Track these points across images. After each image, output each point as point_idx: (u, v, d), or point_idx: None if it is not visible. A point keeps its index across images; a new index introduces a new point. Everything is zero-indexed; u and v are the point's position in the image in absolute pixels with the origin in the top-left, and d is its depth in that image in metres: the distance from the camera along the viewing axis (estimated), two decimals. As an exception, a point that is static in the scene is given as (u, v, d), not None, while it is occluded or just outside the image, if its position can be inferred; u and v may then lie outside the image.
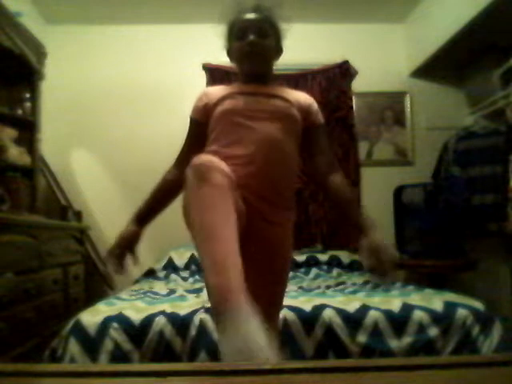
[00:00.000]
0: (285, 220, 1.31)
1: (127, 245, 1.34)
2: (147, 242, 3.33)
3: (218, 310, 0.82)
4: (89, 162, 3.34)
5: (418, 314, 1.65)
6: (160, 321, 1.60)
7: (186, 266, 2.87)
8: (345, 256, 3.00)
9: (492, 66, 2.92)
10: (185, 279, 2.70)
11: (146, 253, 3.14)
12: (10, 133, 2.37)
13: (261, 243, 1.20)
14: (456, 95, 3.45)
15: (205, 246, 0.90)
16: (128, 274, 1.34)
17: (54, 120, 3.10)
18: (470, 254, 2.91)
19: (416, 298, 1.87)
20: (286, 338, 1.58)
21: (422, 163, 3.37)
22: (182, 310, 1.68)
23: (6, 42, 2.24)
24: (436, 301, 1.76)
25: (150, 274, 2.80)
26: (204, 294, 1.91)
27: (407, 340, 1.61)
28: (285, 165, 1.28)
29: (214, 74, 3.26)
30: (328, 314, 1.65)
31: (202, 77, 3.26)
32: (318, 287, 2.36)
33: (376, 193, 3.32)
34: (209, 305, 1.11)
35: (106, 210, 3.27)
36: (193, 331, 1.58)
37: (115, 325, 1.57)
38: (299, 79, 3.32)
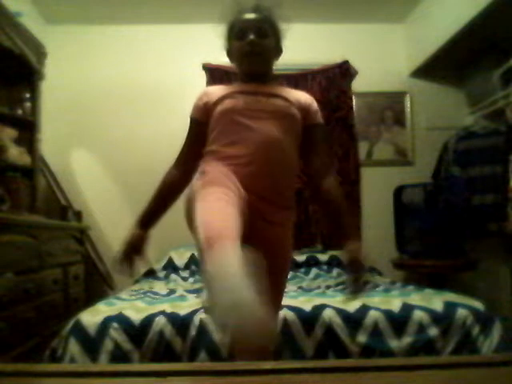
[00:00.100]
0: (285, 220, 1.31)
1: (134, 249, 1.34)
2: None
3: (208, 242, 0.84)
4: (89, 162, 3.34)
5: (417, 314, 1.66)
6: (160, 321, 1.60)
7: (186, 266, 2.87)
8: (342, 255, 2.99)
9: (492, 66, 2.92)
10: (185, 279, 2.70)
11: (146, 253, 3.15)
12: (9, 133, 2.37)
13: (260, 243, 1.20)
14: (456, 95, 3.45)
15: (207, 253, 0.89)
16: (136, 274, 1.36)
17: (54, 120, 3.10)
18: (470, 254, 2.91)
19: (416, 298, 1.87)
20: (286, 338, 1.58)
21: (422, 163, 3.37)
22: (182, 309, 1.68)
23: (6, 41, 2.24)
24: (436, 301, 1.76)
25: (150, 273, 2.80)
26: (204, 294, 1.91)
27: (407, 340, 1.61)
28: (285, 164, 1.28)
29: (214, 74, 3.26)
30: (328, 313, 1.65)
31: (202, 77, 3.26)
32: (318, 287, 2.36)
33: (376, 193, 3.32)
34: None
35: (106, 210, 3.27)
36: (193, 331, 1.58)
37: (115, 325, 1.57)
38: (299, 79, 3.32)
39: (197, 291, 2.18)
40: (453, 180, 3.02)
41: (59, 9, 3.21)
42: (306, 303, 1.74)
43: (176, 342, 1.57)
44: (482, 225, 2.88)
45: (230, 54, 1.40)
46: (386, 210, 3.23)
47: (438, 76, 3.47)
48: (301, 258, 2.91)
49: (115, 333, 1.55)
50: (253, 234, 1.07)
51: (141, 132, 3.33)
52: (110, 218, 3.25)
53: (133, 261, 1.34)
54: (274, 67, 1.40)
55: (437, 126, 3.37)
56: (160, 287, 2.38)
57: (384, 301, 1.80)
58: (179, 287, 2.37)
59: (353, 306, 1.70)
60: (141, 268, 1.37)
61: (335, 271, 2.84)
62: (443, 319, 1.65)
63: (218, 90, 1.35)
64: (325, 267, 2.89)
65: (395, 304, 1.73)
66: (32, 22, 2.80)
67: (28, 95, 2.57)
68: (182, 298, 2.02)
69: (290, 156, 1.30)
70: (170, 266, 2.87)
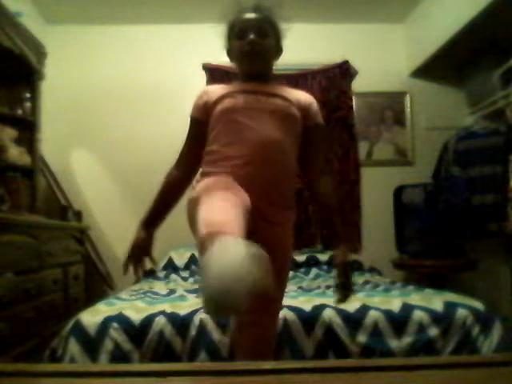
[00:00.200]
0: (285, 220, 1.31)
1: (141, 250, 1.35)
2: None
3: (207, 236, 0.82)
4: (89, 162, 3.34)
5: (417, 314, 1.65)
6: (160, 321, 1.60)
7: (186, 266, 2.87)
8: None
9: (492, 66, 2.92)
10: (185, 279, 2.70)
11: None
12: (9, 133, 2.37)
13: (261, 243, 1.20)
14: (456, 95, 3.45)
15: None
16: (144, 276, 1.38)
17: (54, 120, 3.11)
18: (470, 254, 2.91)
19: (416, 298, 1.87)
20: (286, 338, 1.58)
21: (422, 163, 3.37)
22: (182, 309, 1.68)
23: (6, 41, 2.24)
24: (436, 301, 1.76)
25: (150, 273, 2.80)
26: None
27: (407, 340, 1.61)
28: (284, 164, 1.28)
29: (214, 74, 3.26)
30: (328, 313, 1.65)
31: (202, 77, 3.26)
32: (318, 287, 2.36)
33: (376, 193, 3.32)
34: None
35: (106, 210, 3.27)
36: (193, 331, 1.58)
37: (115, 325, 1.57)
38: (299, 79, 3.32)
39: (197, 291, 2.18)
40: (453, 180, 3.02)
41: (59, 9, 3.21)
42: (306, 303, 1.74)
43: (176, 342, 1.57)
44: (481, 225, 2.88)
45: (230, 53, 1.40)
46: (386, 210, 3.23)
47: (437, 76, 3.47)
48: (301, 257, 2.91)
49: (115, 333, 1.55)
50: (253, 235, 1.07)
51: (141, 132, 3.33)
52: (109, 218, 3.25)
53: (141, 262, 1.35)
54: (274, 67, 1.40)
55: (437, 126, 3.37)
56: (160, 287, 2.38)
57: (384, 301, 1.80)
58: (179, 287, 2.37)
59: (353, 306, 1.70)
60: (148, 268, 1.39)
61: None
62: (443, 319, 1.65)
63: (218, 89, 1.35)
64: (325, 267, 2.89)
65: (395, 304, 1.73)
66: (32, 22, 2.80)
67: (28, 95, 2.57)
68: (182, 297, 2.02)
69: (290, 156, 1.30)
70: (170, 266, 2.87)
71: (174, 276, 2.75)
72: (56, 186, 3.07)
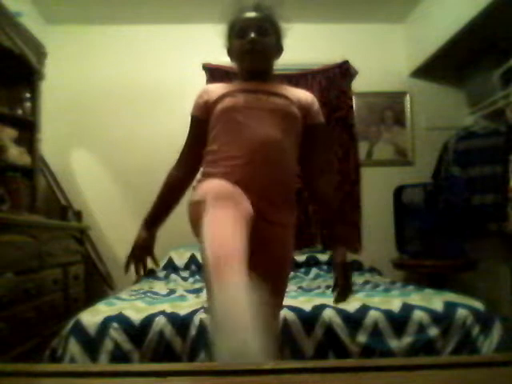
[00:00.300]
0: (285, 220, 1.31)
1: (143, 250, 1.36)
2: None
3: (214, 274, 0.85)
4: (89, 162, 3.34)
5: (417, 314, 1.65)
6: (160, 321, 1.60)
7: (186, 266, 2.87)
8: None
9: (492, 66, 2.92)
10: (185, 279, 2.70)
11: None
12: (9, 133, 2.37)
13: (261, 243, 1.20)
14: (456, 95, 3.45)
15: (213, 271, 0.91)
16: (146, 275, 1.39)
17: (54, 120, 3.11)
18: (470, 254, 2.91)
19: (416, 298, 1.87)
20: (285, 338, 1.58)
21: (422, 163, 3.37)
22: (182, 309, 1.68)
23: (6, 41, 2.24)
24: (436, 301, 1.76)
25: (150, 274, 2.80)
26: (204, 294, 1.91)
27: (407, 340, 1.61)
28: (285, 164, 1.27)
29: (214, 74, 3.26)
30: (328, 313, 1.65)
31: (202, 77, 3.26)
32: (318, 287, 2.36)
33: (376, 193, 3.32)
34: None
35: (106, 210, 3.27)
36: (193, 331, 1.58)
37: (115, 325, 1.57)
38: (299, 79, 3.32)
39: (197, 291, 2.18)
40: (453, 180, 3.02)
41: (59, 9, 3.21)
42: (306, 303, 1.74)
43: (176, 342, 1.57)
44: (481, 225, 2.88)
45: (230, 52, 1.40)
46: (386, 210, 3.23)
47: (437, 76, 3.47)
48: (301, 257, 2.92)
49: (115, 333, 1.55)
50: (254, 235, 1.07)
51: (141, 132, 3.33)
52: (109, 218, 3.25)
53: (143, 261, 1.35)
54: (275, 67, 1.40)
55: (437, 126, 3.37)
56: (160, 287, 2.38)
57: (384, 301, 1.80)
58: (179, 287, 2.37)
59: (353, 306, 1.70)
60: (150, 267, 1.40)
61: (335, 271, 2.84)
62: (443, 319, 1.65)
63: (218, 88, 1.35)
64: (325, 267, 2.89)
65: (395, 304, 1.73)
66: (32, 22, 2.80)
67: (28, 95, 2.57)
68: (182, 297, 2.02)
69: (290, 155, 1.30)
70: (170, 266, 2.87)
71: (173, 276, 2.75)
72: (56, 186, 3.07)
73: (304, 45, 3.16)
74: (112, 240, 3.19)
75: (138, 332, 1.57)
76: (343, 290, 1.30)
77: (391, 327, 1.63)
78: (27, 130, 2.52)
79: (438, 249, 2.85)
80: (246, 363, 0.66)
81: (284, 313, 1.61)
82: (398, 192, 3.16)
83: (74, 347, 1.52)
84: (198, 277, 2.69)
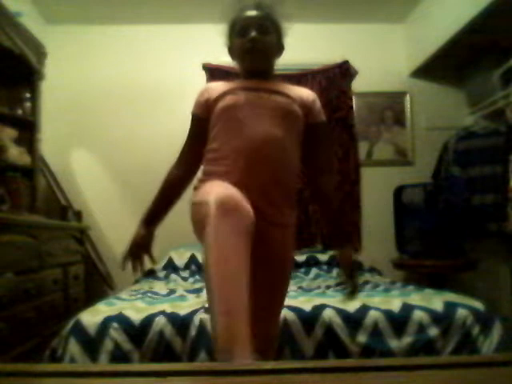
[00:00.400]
0: (286, 220, 1.30)
1: (141, 247, 1.36)
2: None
3: (222, 350, 0.86)
4: (89, 162, 3.34)
5: (417, 314, 1.65)
6: (160, 321, 1.59)
7: (186, 266, 2.87)
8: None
9: (492, 66, 2.92)
10: (185, 279, 2.70)
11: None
12: (9, 133, 2.37)
13: (262, 244, 1.19)
14: (456, 95, 3.45)
15: (215, 283, 0.93)
16: (143, 272, 1.39)
17: (54, 120, 3.11)
18: (469, 254, 2.91)
19: (416, 297, 1.87)
20: (286, 338, 1.58)
21: (422, 163, 3.37)
22: (182, 309, 1.68)
23: (6, 41, 2.24)
24: (436, 301, 1.76)
25: (150, 273, 2.80)
26: (204, 294, 1.91)
27: (407, 340, 1.61)
28: (286, 162, 1.27)
29: (214, 74, 3.25)
30: (328, 313, 1.65)
31: (202, 77, 3.26)
32: (318, 287, 2.36)
33: (376, 193, 3.32)
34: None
35: (106, 210, 3.27)
36: (193, 331, 1.58)
37: (115, 325, 1.57)
38: (299, 79, 3.32)
39: (197, 291, 2.18)
40: (453, 180, 3.02)
41: (59, 9, 3.21)
42: (306, 303, 1.74)
43: (176, 342, 1.57)
44: (481, 225, 2.88)
45: (231, 51, 1.39)
46: (386, 210, 3.23)
47: (437, 76, 3.47)
48: (301, 257, 2.92)
49: (115, 333, 1.55)
50: (255, 237, 1.07)
51: (141, 132, 3.33)
52: (109, 218, 3.25)
53: (140, 259, 1.35)
54: (275, 66, 1.40)
55: (437, 126, 3.37)
56: (160, 287, 2.38)
57: (384, 301, 1.80)
58: (179, 287, 2.37)
59: (353, 306, 1.70)
60: (147, 266, 1.40)
61: (335, 271, 2.84)
62: (443, 319, 1.65)
63: (219, 86, 1.35)
64: (325, 267, 2.89)
65: (395, 304, 1.73)
66: (32, 22, 2.80)
67: (28, 95, 2.57)
68: (182, 297, 2.02)
69: (292, 154, 1.29)
70: (170, 266, 2.87)
71: (173, 276, 2.75)
72: (56, 186, 3.07)
73: (304, 45, 3.16)
74: (112, 240, 3.19)
75: (137, 332, 1.57)
76: (352, 290, 1.32)
77: (391, 327, 1.62)
78: (27, 130, 2.53)
79: (438, 249, 2.85)
80: (246, 363, 0.66)
81: (284, 313, 1.61)
82: (398, 192, 3.16)
83: (73, 347, 1.52)
84: (197, 277, 2.69)
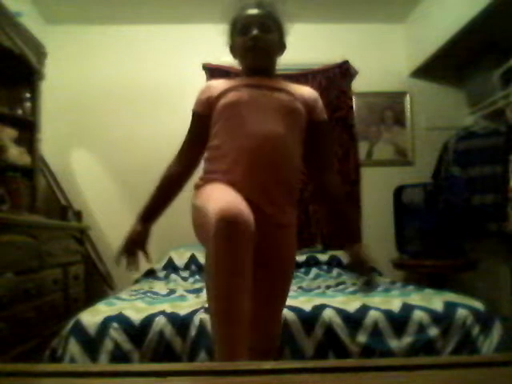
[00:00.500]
0: (287, 219, 1.29)
1: (136, 244, 1.34)
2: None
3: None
4: (89, 162, 3.34)
5: (417, 314, 1.65)
6: (160, 321, 1.59)
7: (186, 266, 2.87)
8: (345, 256, 2.99)
9: (492, 65, 2.92)
10: (185, 279, 2.70)
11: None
12: (9, 133, 2.37)
13: (263, 246, 1.18)
14: (456, 95, 3.45)
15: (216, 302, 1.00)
16: (138, 269, 1.37)
17: (54, 120, 3.10)
18: (469, 254, 2.91)
19: (416, 297, 1.87)
20: (286, 338, 1.58)
21: (422, 163, 3.37)
22: (182, 309, 1.68)
23: (6, 41, 2.24)
24: (436, 301, 1.76)
25: (150, 273, 2.80)
26: (204, 294, 1.91)
27: (407, 340, 1.61)
28: (288, 160, 1.26)
29: (214, 74, 3.25)
30: (328, 313, 1.65)
31: (202, 77, 3.26)
32: (318, 287, 2.36)
33: (376, 193, 3.32)
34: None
35: (106, 210, 3.27)
36: (193, 331, 1.58)
37: (115, 325, 1.57)
38: (299, 79, 3.32)
39: (197, 291, 2.18)
40: (453, 180, 3.02)
41: (59, 9, 3.21)
42: (306, 303, 1.74)
43: (176, 342, 1.57)
44: (481, 225, 2.88)
45: (233, 50, 1.39)
46: (386, 210, 3.23)
47: (437, 76, 3.47)
48: (301, 257, 2.91)
49: (115, 333, 1.55)
50: (262, 240, 1.07)
51: (141, 132, 3.33)
52: (109, 218, 3.25)
53: (135, 256, 1.34)
54: (277, 65, 1.39)
55: (437, 126, 3.37)
56: (160, 287, 2.38)
57: (384, 301, 1.80)
58: (179, 287, 2.37)
59: (353, 306, 1.70)
60: (143, 263, 1.38)
61: (335, 271, 2.84)
62: (443, 319, 1.65)
63: (221, 84, 1.34)
64: (325, 267, 2.89)
65: (395, 304, 1.73)
66: (32, 22, 2.80)
67: (28, 95, 2.57)
68: (182, 297, 2.02)
69: (293, 152, 1.28)
70: (170, 266, 2.87)
71: (173, 276, 2.75)
72: (56, 186, 3.06)
73: (304, 45, 3.16)
74: (112, 240, 3.19)
75: (137, 332, 1.57)
76: (370, 285, 1.31)
77: (391, 327, 1.62)
78: (27, 130, 2.52)
79: (438, 249, 2.85)
80: (246, 363, 0.66)
81: (284, 313, 1.61)
82: (398, 192, 3.16)
83: (73, 347, 1.52)
84: (197, 277, 2.69)
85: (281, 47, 1.38)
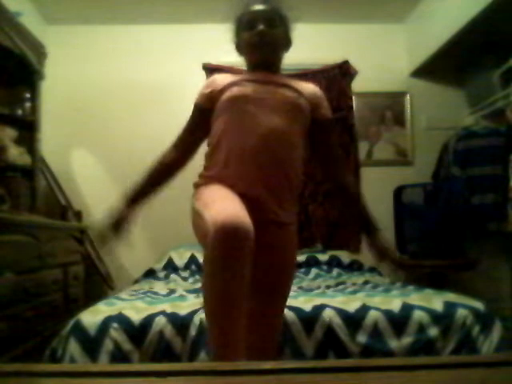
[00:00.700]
0: (287, 217, 1.28)
1: (117, 224, 1.31)
2: (147, 242, 3.33)
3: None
4: (89, 162, 3.34)
5: (418, 314, 1.65)
6: (160, 321, 1.59)
7: (186, 266, 2.87)
8: (345, 256, 2.99)
9: (492, 65, 2.92)
10: (185, 279, 2.70)
11: (146, 253, 3.14)
12: (9, 133, 2.37)
13: (263, 247, 1.17)
14: (456, 95, 3.44)
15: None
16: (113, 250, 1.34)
17: (54, 120, 3.10)
18: (469, 254, 2.91)
19: (416, 297, 1.87)
20: (286, 338, 1.58)
21: (422, 163, 3.37)
22: (182, 309, 1.68)
23: (5, 41, 2.24)
24: (436, 301, 1.76)
25: (150, 273, 2.80)
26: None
27: (407, 340, 1.61)
28: (290, 157, 1.26)
29: (214, 74, 3.25)
30: (328, 314, 1.64)
31: (202, 77, 3.25)
32: (318, 287, 2.36)
33: (376, 193, 3.31)
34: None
35: (106, 210, 3.26)
36: (193, 331, 1.58)
37: (115, 325, 1.57)
38: (299, 79, 3.32)
39: (197, 291, 2.18)
40: (453, 180, 3.02)
41: (59, 9, 3.21)
42: (306, 303, 1.74)
43: (176, 342, 1.57)
44: (481, 225, 2.87)
45: (238, 47, 1.39)
46: (386, 210, 3.22)
47: (437, 76, 3.47)
48: (301, 257, 2.91)
49: (115, 333, 1.55)
50: (258, 238, 1.07)
51: (141, 132, 3.33)
52: (109, 218, 3.25)
53: (115, 235, 1.31)
54: (283, 60, 1.39)
55: (437, 126, 3.37)
56: (160, 287, 2.38)
57: (384, 301, 1.80)
58: (179, 287, 2.37)
59: (353, 306, 1.70)
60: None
61: (335, 271, 2.84)
62: (443, 319, 1.65)
63: (226, 78, 1.34)
64: (325, 267, 2.89)
65: (395, 304, 1.73)
66: (32, 22, 2.80)
67: (28, 95, 2.57)
68: (181, 297, 2.02)
69: (296, 148, 1.28)
70: (170, 266, 2.87)
71: (173, 276, 2.75)
72: (56, 186, 3.06)
73: (304, 45, 3.14)
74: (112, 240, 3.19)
75: (137, 332, 1.57)
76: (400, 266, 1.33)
77: (391, 327, 1.62)
78: (27, 130, 2.52)
79: (438, 249, 2.85)
80: (246, 363, 0.66)
81: (284, 313, 1.61)
82: (398, 192, 3.16)
83: (73, 347, 1.52)
84: (197, 277, 2.69)
85: (287, 43, 1.38)
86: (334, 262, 2.94)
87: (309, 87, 1.37)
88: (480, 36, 2.83)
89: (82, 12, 3.27)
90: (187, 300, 1.93)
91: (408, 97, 3.48)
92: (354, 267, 2.91)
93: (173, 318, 1.61)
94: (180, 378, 0.60)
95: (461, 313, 1.66)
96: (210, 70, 3.31)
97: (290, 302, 1.70)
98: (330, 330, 1.61)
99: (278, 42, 1.32)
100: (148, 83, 3.37)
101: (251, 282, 1.03)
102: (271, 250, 1.24)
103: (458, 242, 2.89)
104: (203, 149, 1.40)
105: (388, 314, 1.66)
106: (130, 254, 3.09)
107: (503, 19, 2.60)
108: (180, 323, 1.60)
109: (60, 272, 2.42)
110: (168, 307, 1.71)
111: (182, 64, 3.37)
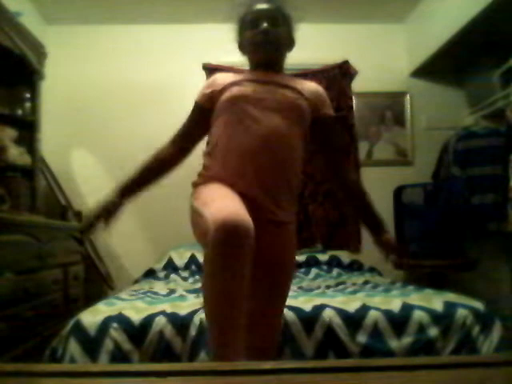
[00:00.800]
0: (286, 216, 1.28)
1: (105, 215, 1.32)
2: (147, 242, 3.33)
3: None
4: (89, 162, 3.34)
5: (418, 314, 1.65)
6: (160, 321, 1.59)
7: (186, 266, 2.87)
8: (345, 256, 2.99)
9: (492, 65, 2.92)
10: (185, 279, 2.70)
11: (146, 253, 3.14)
12: (9, 133, 2.37)
13: (262, 247, 1.18)
14: (456, 95, 3.45)
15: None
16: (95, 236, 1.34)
17: (54, 120, 3.10)
18: (469, 254, 2.91)
19: (416, 297, 1.87)
20: (286, 338, 1.58)
21: (422, 163, 3.37)
22: (182, 309, 1.68)
23: (5, 41, 2.24)
24: (436, 301, 1.76)
25: (150, 273, 2.80)
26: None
27: (407, 340, 1.61)
28: (289, 157, 1.26)
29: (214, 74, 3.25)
30: (328, 314, 1.64)
31: (202, 77, 3.25)
32: (318, 287, 2.36)
33: (376, 193, 3.29)
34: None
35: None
36: (193, 331, 1.58)
37: (115, 325, 1.57)
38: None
39: (197, 291, 2.18)
40: (453, 180, 3.02)
41: (59, 9, 3.21)
42: (306, 303, 1.74)
43: (176, 342, 1.57)
44: (481, 225, 2.87)
45: (241, 46, 1.38)
46: (386, 210, 3.21)
47: (437, 76, 3.47)
48: (301, 257, 2.91)
49: (115, 333, 1.55)
50: (258, 238, 1.07)
51: (141, 132, 3.33)
52: (109, 217, 3.25)
53: (101, 224, 1.31)
54: (286, 59, 1.39)
55: (437, 126, 3.37)
56: (160, 287, 2.38)
57: (384, 301, 1.80)
58: (179, 287, 2.37)
59: (353, 306, 1.70)
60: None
61: (335, 271, 2.84)
62: (443, 319, 1.65)
63: (227, 77, 1.34)
64: (325, 267, 2.90)
65: (395, 304, 1.73)
66: (32, 22, 2.80)
67: (28, 95, 2.57)
68: (181, 297, 2.02)
69: (295, 149, 1.28)
70: (170, 266, 2.87)
71: (173, 276, 2.75)
72: (56, 186, 3.06)
73: (304, 45, 3.14)
74: (112, 240, 3.19)
75: (137, 332, 1.57)
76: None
77: (391, 327, 1.62)
78: (27, 130, 2.52)
79: (438, 249, 2.85)
80: (246, 363, 0.66)
81: (284, 313, 1.61)
82: (398, 192, 3.16)
83: (73, 347, 1.52)
84: (197, 277, 2.69)
85: (290, 42, 1.38)
86: (334, 262, 2.94)
87: (311, 86, 1.37)
88: (480, 36, 2.83)
89: (82, 12, 3.27)
90: (187, 300, 1.93)
91: (408, 97, 3.48)
92: (354, 267, 2.91)
93: (173, 318, 1.61)
94: (180, 378, 0.60)
95: (461, 313, 1.66)
96: (210, 70, 3.31)
97: (289, 301, 1.70)
98: (329, 329, 1.61)
99: (281, 41, 1.32)
100: (148, 83, 3.37)
101: (251, 281, 1.03)
102: (270, 249, 1.24)
103: (458, 242, 2.89)
104: (202, 148, 1.41)
105: (388, 314, 1.66)
106: (130, 254, 3.10)
107: (503, 19, 2.60)
108: (180, 323, 1.60)
109: (60, 272, 2.42)
110: (168, 307, 1.71)
111: (182, 64, 3.37)
